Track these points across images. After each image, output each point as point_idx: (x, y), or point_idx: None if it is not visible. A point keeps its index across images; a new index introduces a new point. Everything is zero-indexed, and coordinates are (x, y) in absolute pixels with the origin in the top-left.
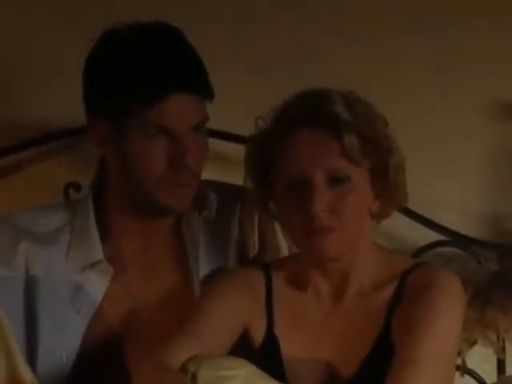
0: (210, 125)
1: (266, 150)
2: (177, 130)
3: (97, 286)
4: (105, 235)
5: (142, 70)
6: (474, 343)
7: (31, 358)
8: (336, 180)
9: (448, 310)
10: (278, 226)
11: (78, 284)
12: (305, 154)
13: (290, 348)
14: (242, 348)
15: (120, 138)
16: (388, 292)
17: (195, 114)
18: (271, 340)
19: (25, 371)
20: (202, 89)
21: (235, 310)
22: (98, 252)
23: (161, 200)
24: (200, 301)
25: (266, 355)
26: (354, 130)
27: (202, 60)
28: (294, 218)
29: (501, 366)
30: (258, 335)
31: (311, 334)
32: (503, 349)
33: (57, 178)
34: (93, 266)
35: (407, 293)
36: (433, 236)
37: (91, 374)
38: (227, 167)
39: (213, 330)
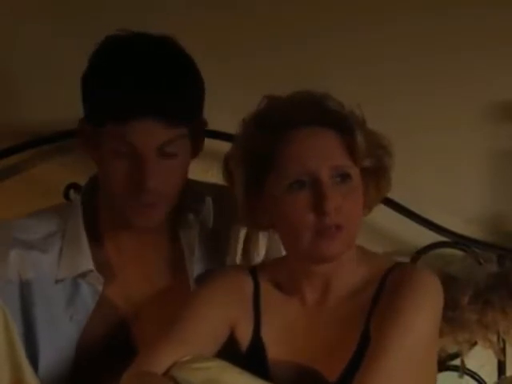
0: (211, 126)
1: (261, 154)
2: (142, 150)
3: (88, 294)
4: (99, 239)
5: (122, 85)
6: (474, 344)
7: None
8: (338, 178)
9: (421, 306)
10: (261, 236)
11: (71, 291)
12: (310, 152)
13: (276, 352)
14: (228, 352)
15: (98, 146)
16: (369, 294)
17: (162, 135)
18: (258, 343)
19: (29, 374)
20: (174, 115)
21: (221, 313)
22: (87, 261)
23: (127, 216)
24: (187, 304)
25: (253, 358)
26: (359, 128)
27: (190, 78)
28: (300, 219)
29: (501, 367)
30: (245, 338)
31: (296, 339)
32: (503, 350)
33: (57, 180)
34: (83, 275)
35: (385, 293)
36: (433, 237)
37: (91, 378)
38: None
39: (198, 334)
